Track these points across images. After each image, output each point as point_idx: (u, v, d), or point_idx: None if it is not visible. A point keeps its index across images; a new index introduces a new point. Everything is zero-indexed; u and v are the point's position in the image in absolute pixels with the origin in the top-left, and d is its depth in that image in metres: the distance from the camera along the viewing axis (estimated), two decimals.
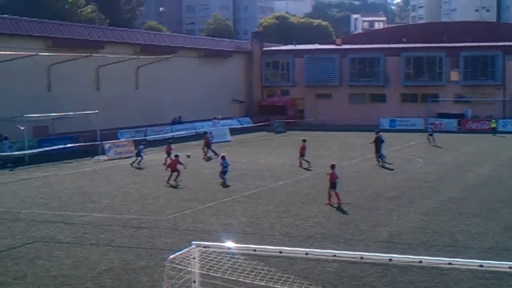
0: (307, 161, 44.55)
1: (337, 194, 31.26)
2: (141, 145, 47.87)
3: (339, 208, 29.99)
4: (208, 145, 52.30)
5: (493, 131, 69.07)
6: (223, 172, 38.23)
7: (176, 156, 39.59)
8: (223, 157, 38.88)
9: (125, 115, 65.67)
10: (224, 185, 37.19)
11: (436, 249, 22.49)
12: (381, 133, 47.25)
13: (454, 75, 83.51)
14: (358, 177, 39.62)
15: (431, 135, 59.43)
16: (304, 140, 46.35)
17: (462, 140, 62.77)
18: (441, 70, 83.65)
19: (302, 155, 44.94)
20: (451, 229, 25.67)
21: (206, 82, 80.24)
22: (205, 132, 56.23)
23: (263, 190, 34.82)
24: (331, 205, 30.69)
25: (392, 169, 42.73)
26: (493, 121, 71.46)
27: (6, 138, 49.58)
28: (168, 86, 74.00)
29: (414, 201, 31.68)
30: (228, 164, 38.48)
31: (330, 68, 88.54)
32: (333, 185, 31.26)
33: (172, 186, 36.77)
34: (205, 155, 51.35)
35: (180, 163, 38.67)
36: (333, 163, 33.02)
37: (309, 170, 42.63)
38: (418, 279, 18.87)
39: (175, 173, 38.05)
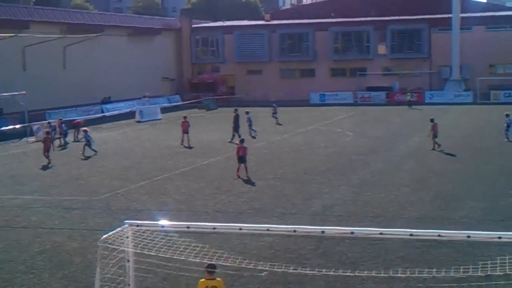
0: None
1: (246, 168, 31.82)
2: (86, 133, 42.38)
3: (271, 183, 30.17)
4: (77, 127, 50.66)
5: (409, 103, 69.36)
6: (88, 145, 40.43)
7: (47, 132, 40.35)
8: (85, 131, 41.33)
9: (54, 95, 64.49)
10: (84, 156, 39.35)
11: (368, 220, 22.86)
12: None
13: (382, 49, 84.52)
14: (290, 152, 39.89)
15: (275, 113, 58.07)
16: (185, 117, 46.00)
17: (391, 113, 63.70)
18: (369, 44, 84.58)
19: None
20: (381, 200, 26.12)
21: (136, 61, 79.36)
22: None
23: (196, 167, 34.78)
24: (240, 178, 31.22)
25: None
26: (409, 94, 72.14)
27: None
28: (97, 65, 72.90)
29: (345, 174, 32.09)
30: (90, 137, 40.98)
31: (260, 44, 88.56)
32: (241, 159, 31.73)
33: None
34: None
35: None
36: (242, 138, 33.77)
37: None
38: (350, 250, 19.17)
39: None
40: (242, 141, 33.20)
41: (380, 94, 78.22)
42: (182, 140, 44.22)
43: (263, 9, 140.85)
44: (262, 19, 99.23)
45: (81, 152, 40.00)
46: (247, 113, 47.92)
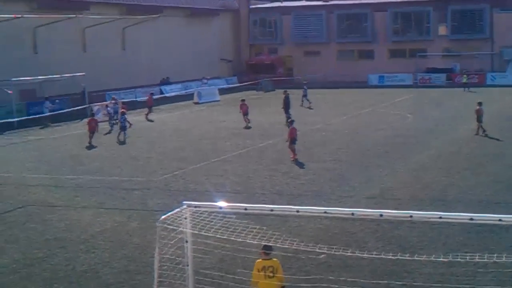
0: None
1: (293, 150, 31.60)
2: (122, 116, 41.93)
3: (329, 166, 30.04)
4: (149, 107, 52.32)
5: (464, 86, 67.63)
6: (123, 128, 40.07)
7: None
8: (122, 113, 40.45)
9: (113, 76, 65.21)
10: (122, 141, 38.86)
11: (427, 203, 22.62)
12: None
13: (442, 30, 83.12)
14: (348, 134, 39.67)
15: (305, 95, 56.73)
16: (243, 100, 46.75)
17: (451, 95, 62.76)
18: (429, 25, 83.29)
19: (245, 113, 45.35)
20: (441, 183, 25.81)
21: (194, 42, 79.68)
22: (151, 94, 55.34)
23: (253, 149, 34.84)
24: (296, 159, 31.14)
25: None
26: (465, 76, 69.69)
27: (46, 99, 50.46)
28: (155, 47, 73.40)
29: (404, 157, 31.79)
30: (125, 119, 40.32)
31: (318, 25, 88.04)
32: (292, 141, 31.64)
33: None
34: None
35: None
36: (292, 119, 33.73)
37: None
38: (409, 234, 19.00)
39: None
40: (292, 122, 33.06)
41: (440, 76, 77.05)
42: (246, 122, 44.76)
43: None
44: None
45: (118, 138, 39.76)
46: (286, 93, 47.16)
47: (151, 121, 50.22)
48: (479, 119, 37.78)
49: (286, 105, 45.19)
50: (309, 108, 53.94)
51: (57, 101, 52.91)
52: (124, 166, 31.60)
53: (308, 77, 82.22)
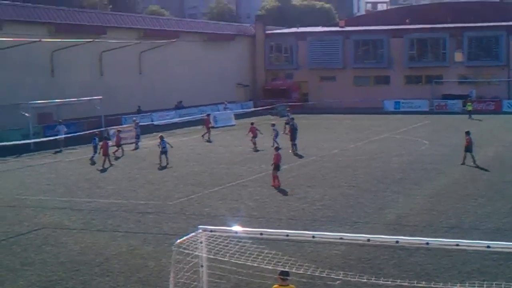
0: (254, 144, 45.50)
1: (277, 177, 31.48)
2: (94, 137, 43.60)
3: (345, 191, 29.96)
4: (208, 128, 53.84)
5: (469, 113, 66.31)
6: (162, 152, 39.42)
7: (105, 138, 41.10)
8: (161, 137, 40.10)
9: (129, 100, 65.57)
10: (162, 167, 38.44)
11: (443, 231, 22.49)
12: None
13: (458, 56, 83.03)
14: (364, 160, 39.58)
15: (287, 123, 52.62)
16: (252, 123, 47.70)
17: (467, 121, 62.53)
18: (445, 51, 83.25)
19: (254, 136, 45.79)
20: (457, 210, 25.66)
21: (210, 66, 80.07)
22: (208, 115, 56.77)
23: (269, 174, 34.72)
24: (274, 187, 30.99)
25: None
26: (469, 104, 68.38)
27: (60, 123, 50.73)
28: (171, 71, 73.80)
29: (420, 183, 31.66)
30: (166, 144, 39.76)
31: (334, 50, 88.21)
32: (276, 167, 31.54)
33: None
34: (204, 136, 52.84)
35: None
36: (277, 146, 33.83)
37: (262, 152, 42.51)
38: (425, 261, 18.88)
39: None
40: (277, 149, 33.15)
41: (456, 102, 76.77)
42: (254, 145, 45.25)
43: (337, 15, 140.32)
44: (337, 25, 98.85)
45: (158, 163, 39.39)
46: (273, 125, 46.76)
47: (209, 141, 51.58)
48: (467, 149, 36.86)
49: (293, 133, 44.38)
50: (287, 134, 52.80)
51: (63, 125, 52.41)
52: (139, 190, 31.67)
53: (324, 102, 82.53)
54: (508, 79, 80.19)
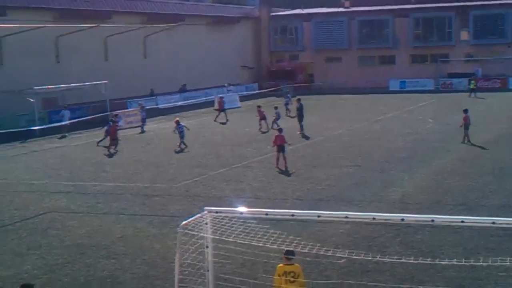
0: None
1: (285, 158, 31.31)
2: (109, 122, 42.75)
3: (350, 171, 29.96)
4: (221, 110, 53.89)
5: (471, 91, 65.75)
6: (181, 136, 39.08)
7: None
8: (177, 122, 39.66)
9: (134, 84, 65.50)
10: (182, 149, 38.29)
11: (448, 208, 22.49)
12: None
13: (464, 35, 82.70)
14: (370, 139, 39.54)
15: (287, 104, 54.85)
16: (259, 106, 47.78)
17: (473, 100, 62.33)
18: (451, 30, 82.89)
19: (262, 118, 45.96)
20: (463, 188, 25.66)
21: (215, 49, 79.86)
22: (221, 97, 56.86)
23: (274, 155, 34.74)
24: (279, 169, 30.86)
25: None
26: (472, 81, 68.18)
27: (65, 108, 50.74)
28: (176, 55, 73.63)
29: (426, 161, 31.64)
30: (183, 128, 39.32)
31: (338, 31, 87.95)
32: (280, 149, 31.34)
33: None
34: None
35: None
36: (281, 127, 33.21)
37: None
38: (430, 238, 18.90)
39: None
40: (280, 130, 32.69)
41: (462, 81, 76.47)
42: (261, 126, 45.46)
43: None
44: (341, 6, 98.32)
45: (178, 144, 39.12)
46: (275, 108, 46.54)
47: (224, 123, 51.69)
48: (466, 126, 36.92)
49: (300, 114, 44.20)
50: (290, 116, 52.65)
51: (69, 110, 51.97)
52: (145, 173, 31.70)
53: (329, 83, 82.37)
54: None
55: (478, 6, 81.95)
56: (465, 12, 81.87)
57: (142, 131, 48.27)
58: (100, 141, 41.84)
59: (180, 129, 39.18)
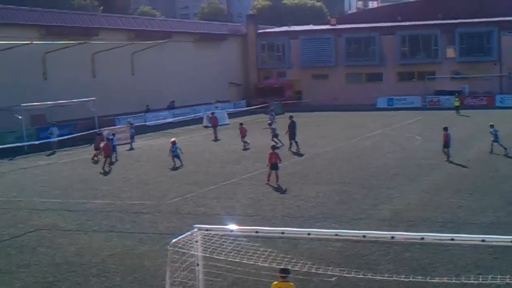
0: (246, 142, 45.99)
1: (277, 176, 31.39)
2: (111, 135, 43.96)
3: (339, 188, 29.99)
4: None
5: (456, 109, 66.43)
6: (174, 156, 38.83)
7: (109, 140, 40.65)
8: (173, 142, 39.38)
9: (122, 101, 65.55)
10: (175, 168, 38.07)
11: (438, 225, 22.54)
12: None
13: (450, 52, 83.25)
14: (358, 157, 39.63)
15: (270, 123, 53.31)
16: (241, 124, 48.50)
17: (460, 117, 62.68)
18: (437, 47, 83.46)
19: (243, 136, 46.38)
20: (452, 205, 25.73)
21: (202, 66, 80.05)
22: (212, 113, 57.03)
23: (263, 172, 34.72)
24: (270, 185, 30.93)
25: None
26: (456, 99, 68.45)
27: (53, 125, 50.74)
28: (164, 71, 73.79)
29: (415, 179, 31.73)
30: (177, 149, 39.04)
31: (325, 48, 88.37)
32: (274, 166, 31.41)
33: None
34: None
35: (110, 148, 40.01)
36: (274, 144, 33.51)
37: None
38: (421, 256, 18.93)
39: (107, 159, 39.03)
40: (273, 147, 33.04)
41: (449, 98, 76.79)
42: (244, 144, 45.78)
43: (328, 14, 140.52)
44: (328, 23, 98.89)
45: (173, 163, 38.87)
46: (269, 124, 47.30)
47: (218, 139, 51.65)
48: (446, 145, 36.98)
49: (292, 131, 43.80)
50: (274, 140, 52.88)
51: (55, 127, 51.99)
52: (134, 190, 31.65)
53: (317, 100, 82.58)
54: (500, 74, 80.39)
55: (464, 24, 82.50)
56: (451, 29, 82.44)
57: (131, 148, 48.25)
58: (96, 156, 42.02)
59: (173, 150, 38.98)
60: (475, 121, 58.70)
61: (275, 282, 12.86)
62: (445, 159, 36.50)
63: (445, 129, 37.76)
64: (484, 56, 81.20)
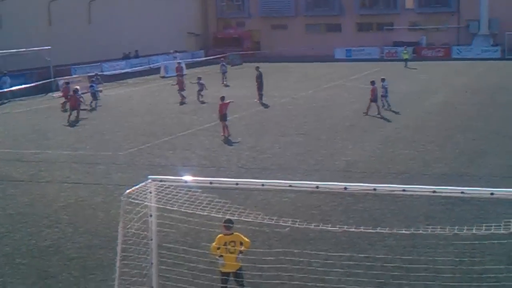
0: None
1: (226, 126, 31.32)
2: (93, 83, 45.12)
3: (295, 140, 30.08)
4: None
5: (405, 62, 66.12)
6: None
7: (75, 91, 39.48)
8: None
9: (79, 50, 64.48)
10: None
11: (392, 177, 22.78)
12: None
13: (409, 3, 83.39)
14: (315, 108, 39.72)
15: (224, 72, 55.20)
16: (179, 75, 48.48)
17: (417, 68, 62.99)
18: None
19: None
20: (405, 156, 25.98)
21: (161, 16, 78.98)
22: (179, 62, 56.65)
23: (220, 123, 34.73)
24: (224, 136, 31.01)
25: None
26: (405, 52, 68.13)
27: (5, 74, 49.55)
28: (122, 20, 72.60)
29: (370, 130, 31.94)
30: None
31: None
32: (222, 117, 31.37)
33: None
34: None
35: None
36: (223, 95, 33.03)
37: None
38: (373, 207, 19.12)
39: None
40: (223, 98, 32.30)
41: (408, 49, 77.03)
42: (181, 98, 44.34)
43: None
44: None
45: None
46: (199, 78, 45.22)
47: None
48: (372, 99, 36.43)
49: (260, 82, 43.51)
50: (226, 85, 53.05)
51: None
52: (89, 141, 31.39)
53: (276, 51, 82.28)
54: (458, 25, 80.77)
55: None
56: None
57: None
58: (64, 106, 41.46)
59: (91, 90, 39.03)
60: (432, 72, 59.05)
61: (220, 235, 12.93)
62: (376, 113, 36.10)
63: (372, 82, 37.22)
64: (442, 7, 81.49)
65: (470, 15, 78.98)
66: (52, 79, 52.14)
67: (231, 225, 12.91)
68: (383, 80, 38.54)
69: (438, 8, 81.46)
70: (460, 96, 43.04)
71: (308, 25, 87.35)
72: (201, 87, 44.39)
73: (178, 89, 44.86)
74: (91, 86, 43.89)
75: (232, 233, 12.91)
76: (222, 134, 31.26)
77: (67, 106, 40.41)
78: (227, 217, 12.88)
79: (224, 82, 53.78)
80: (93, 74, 50.92)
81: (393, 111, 37.12)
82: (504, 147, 27.28)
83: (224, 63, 56.50)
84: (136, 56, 71.60)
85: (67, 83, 44.75)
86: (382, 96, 37.96)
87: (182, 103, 43.58)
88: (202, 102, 42.52)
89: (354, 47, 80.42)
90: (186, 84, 45.11)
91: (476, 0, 76.66)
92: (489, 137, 29.47)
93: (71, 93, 40.05)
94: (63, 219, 19.17)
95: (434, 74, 58.11)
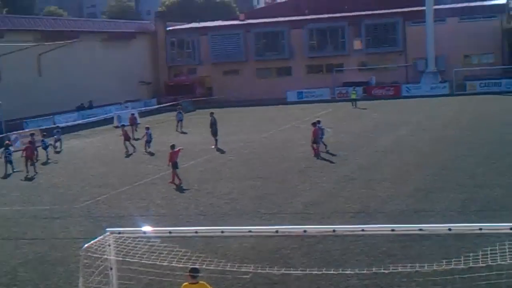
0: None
1: (177, 175, 31.21)
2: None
3: (252, 184, 30.14)
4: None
5: (353, 102, 66.90)
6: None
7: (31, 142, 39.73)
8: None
9: (30, 103, 64.06)
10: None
11: (349, 216, 22.92)
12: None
13: (358, 44, 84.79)
14: (270, 151, 39.90)
15: (180, 120, 55.21)
16: (123, 125, 47.91)
17: (369, 108, 63.80)
18: (344, 40, 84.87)
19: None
20: (362, 195, 26.19)
21: (112, 66, 79.12)
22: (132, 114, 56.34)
23: (171, 172, 34.72)
24: (175, 184, 30.89)
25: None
26: (353, 92, 68.66)
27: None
28: (72, 72, 72.53)
29: (326, 171, 32.14)
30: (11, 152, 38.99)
31: (235, 44, 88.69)
32: (173, 165, 31.33)
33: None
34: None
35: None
36: (173, 143, 33.10)
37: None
38: (333, 247, 19.18)
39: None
40: (173, 146, 32.14)
41: (357, 90, 77.98)
42: (126, 149, 43.69)
43: (237, 9, 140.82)
44: (237, 18, 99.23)
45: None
46: (147, 128, 44.46)
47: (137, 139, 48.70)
48: (315, 140, 36.70)
49: (214, 129, 43.76)
50: (182, 132, 53.41)
51: None
52: (44, 195, 31.03)
53: (228, 96, 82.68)
54: (406, 64, 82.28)
55: (369, 16, 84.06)
56: (357, 21, 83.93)
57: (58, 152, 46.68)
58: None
59: (7, 153, 38.47)
60: (383, 111, 59.84)
61: (185, 284, 12.81)
62: (313, 155, 36.38)
63: (314, 124, 37.47)
64: (390, 46, 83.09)
65: (417, 53, 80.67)
66: (4, 134, 51.51)
67: (197, 274, 12.81)
68: (318, 122, 38.52)
69: (386, 48, 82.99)
70: (413, 133, 43.64)
71: (259, 70, 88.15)
72: (149, 138, 43.51)
73: (124, 139, 44.13)
74: (43, 141, 43.74)
75: (198, 282, 12.79)
76: (171, 181, 31.10)
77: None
78: (191, 266, 12.82)
79: (180, 130, 53.82)
80: (44, 128, 50.66)
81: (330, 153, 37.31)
82: (458, 181, 27.67)
83: (180, 111, 56.46)
84: (90, 107, 71.43)
85: (32, 134, 44.11)
86: (320, 138, 38.00)
87: (128, 155, 42.87)
88: (150, 153, 42.08)
89: (306, 89, 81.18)
90: (136, 133, 44.92)
91: (422, 39, 78.28)
92: (442, 173, 29.87)
93: (27, 143, 39.70)
94: (22, 276, 18.87)
95: (385, 113, 58.88)
